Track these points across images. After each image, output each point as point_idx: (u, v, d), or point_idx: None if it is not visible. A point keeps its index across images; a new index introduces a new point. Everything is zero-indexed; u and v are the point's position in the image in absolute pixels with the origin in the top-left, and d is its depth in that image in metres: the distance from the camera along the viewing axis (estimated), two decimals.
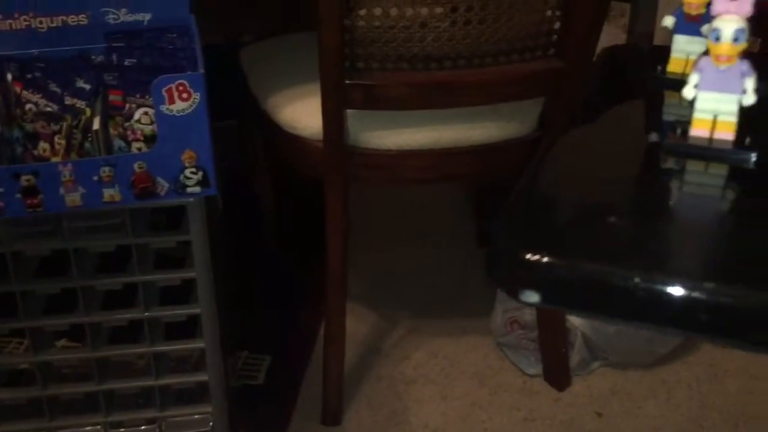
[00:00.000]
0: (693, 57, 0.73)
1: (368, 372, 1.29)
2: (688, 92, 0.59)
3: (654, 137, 0.59)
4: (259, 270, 1.48)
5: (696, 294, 0.38)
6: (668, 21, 0.73)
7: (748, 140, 0.58)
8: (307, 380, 1.26)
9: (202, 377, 0.94)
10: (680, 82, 0.72)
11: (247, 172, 1.47)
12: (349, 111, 1.05)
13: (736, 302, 0.38)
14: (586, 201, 0.49)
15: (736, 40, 0.56)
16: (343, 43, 0.99)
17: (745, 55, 0.57)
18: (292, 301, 1.42)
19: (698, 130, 0.59)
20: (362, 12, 0.98)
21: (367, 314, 1.41)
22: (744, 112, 0.58)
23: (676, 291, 0.38)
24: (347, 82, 1.02)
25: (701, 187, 0.56)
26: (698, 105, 0.59)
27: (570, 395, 1.25)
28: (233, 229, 1.40)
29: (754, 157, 0.57)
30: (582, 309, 0.41)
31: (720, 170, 0.57)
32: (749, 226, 0.49)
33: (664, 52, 0.73)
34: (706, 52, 0.58)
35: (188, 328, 0.96)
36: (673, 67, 0.73)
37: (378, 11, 0.99)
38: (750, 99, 0.57)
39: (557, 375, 1.27)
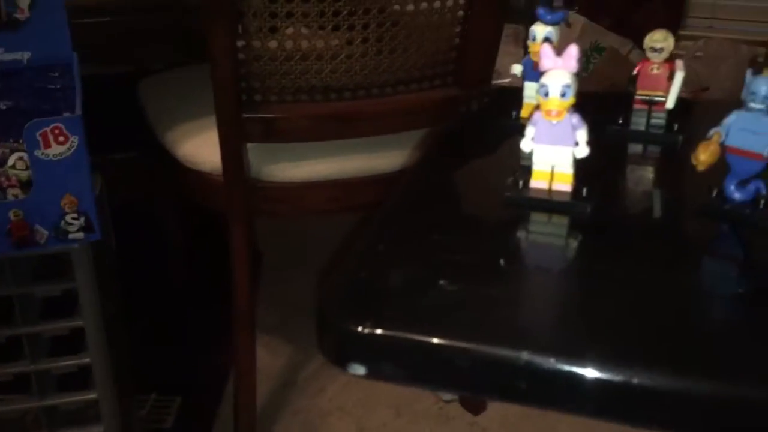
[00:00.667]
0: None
1: (283, 406, 1.26)
2: (524, 145, 0.60)
3: (497, 188, 0.60)
4: (168, 306, 1.44)
5: (519, 362, 0.37)
6: (516, 69, 0.74)
7: (585, 191, 0.58)
8: (219, 419, 1.23)
9: (98, 429, 0.89)
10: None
11: (153, 205, 1.43)
12: (249, 144, 1.03)
13: (553, 371, 0.38)
14: (420, 261, 0.48)
15: (563, 95, 0.57)
16: (239, 77, 0.97)
17: (576, 107, 0.58)
18: (203, 337, 1.39)
19: (538, 182, 0.60)
20: (256, 44, 0.97)
21: (281, 347, 1.38)
22: (581, 163, 0.59)
23: (497, 360, 0.38)
24: (245, 115, 1.00)
25: (541, 242, 0.56)
26: (536, 157, 0.60)
27: (485, 419, 1.25)
28: (139, 264, 1.36)
29: (589, 208, 0.58)
30: (411, 381, 0.40)
31: (560, 223, 0.57)
32: (580, 287, 0.49)
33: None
34: (540, 106, 0.59)
35: (84, 378, 0.91)
36: (526, 112, 0.74)
37: (273, 44, 0.98)
38: (583, 151, 0.58)
39: (472, 399, 1.27)
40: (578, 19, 2.08)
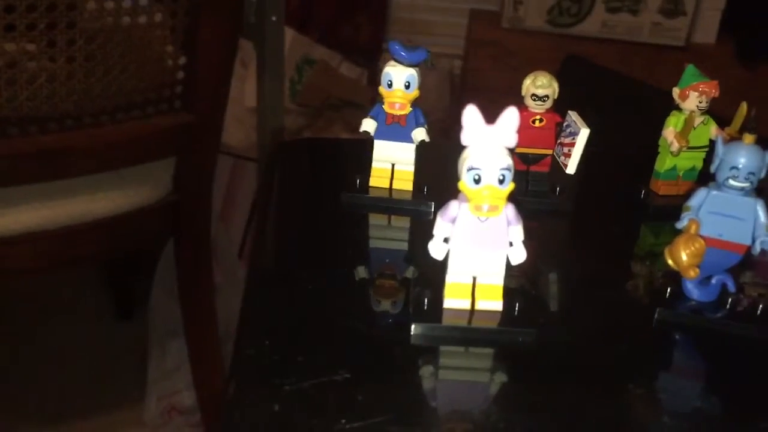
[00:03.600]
0: (400, 168, 0.59)
1: None
2: (435, 250, 0.43)
3: (381, 310, 0.45)
4: None
5: None
6: (368, 125, 0.58)
7: (517, 308, 0.44)
8: None
9: None
10: (383, 202, 0.56)
11: None
12: None
13: None
14: None
15: (502, 181, 0.41)
16: None
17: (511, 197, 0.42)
18: None
19: (454, 299, 0.44)
20: None
21: None
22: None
23: None
24: None
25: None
26: (452, 266, 0.44)
27: None
28: None
29: (534, 334, 0.43)
30: None
31: (484, 357, 0.42)
32: None
33: (341, 156, 0.60)
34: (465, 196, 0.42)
35: None
36: (377, 180, 0.59)
37: None
38: (520, 255, 0.44)
39: None
40: (287, 32, 2.03)
